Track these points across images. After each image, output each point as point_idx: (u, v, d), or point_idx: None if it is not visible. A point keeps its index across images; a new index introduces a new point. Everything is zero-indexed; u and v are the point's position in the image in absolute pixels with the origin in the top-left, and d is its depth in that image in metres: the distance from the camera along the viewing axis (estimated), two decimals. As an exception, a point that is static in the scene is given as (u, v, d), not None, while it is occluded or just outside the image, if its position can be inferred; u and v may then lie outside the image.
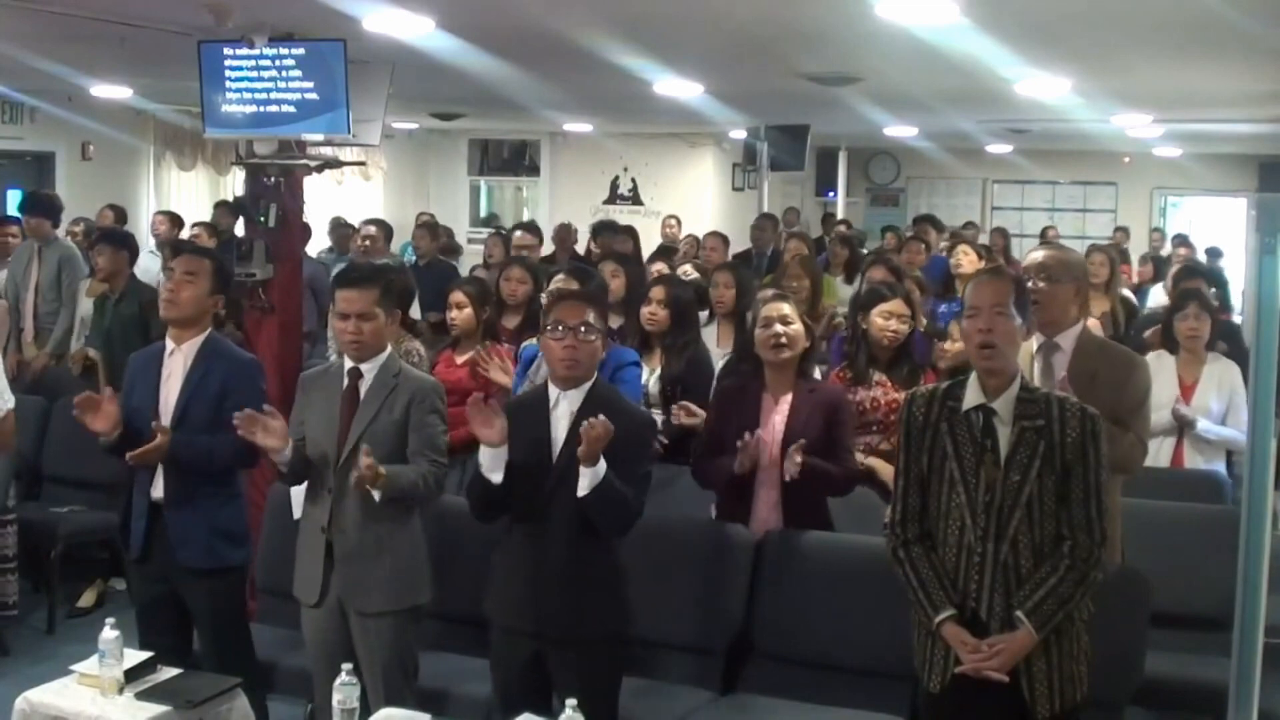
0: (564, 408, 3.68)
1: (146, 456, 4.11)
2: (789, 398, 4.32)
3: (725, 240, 9.96)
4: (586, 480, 3.52)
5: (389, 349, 4.04)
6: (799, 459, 4.11)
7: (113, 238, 7.04)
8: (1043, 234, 14.21)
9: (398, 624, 3.94)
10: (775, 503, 4.29)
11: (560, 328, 3.68)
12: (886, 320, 4.89)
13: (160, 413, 4.20)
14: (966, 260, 7.86)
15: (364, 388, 3.96)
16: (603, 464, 3.52)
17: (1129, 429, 3.85)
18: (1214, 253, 13.60)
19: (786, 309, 4.36)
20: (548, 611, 3.64)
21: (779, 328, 4.31)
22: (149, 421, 4.16)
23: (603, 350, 3.81)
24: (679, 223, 12.52)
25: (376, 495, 3.79)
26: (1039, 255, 4.09)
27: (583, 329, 3.67)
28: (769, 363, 4.36)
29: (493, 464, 3.60)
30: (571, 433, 3.60)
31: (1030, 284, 3.94)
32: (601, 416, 3.50)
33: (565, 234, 11.01)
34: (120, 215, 10.05)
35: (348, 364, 4.00)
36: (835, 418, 4.31)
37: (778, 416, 4.31)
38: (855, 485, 4.44)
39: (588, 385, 3.72)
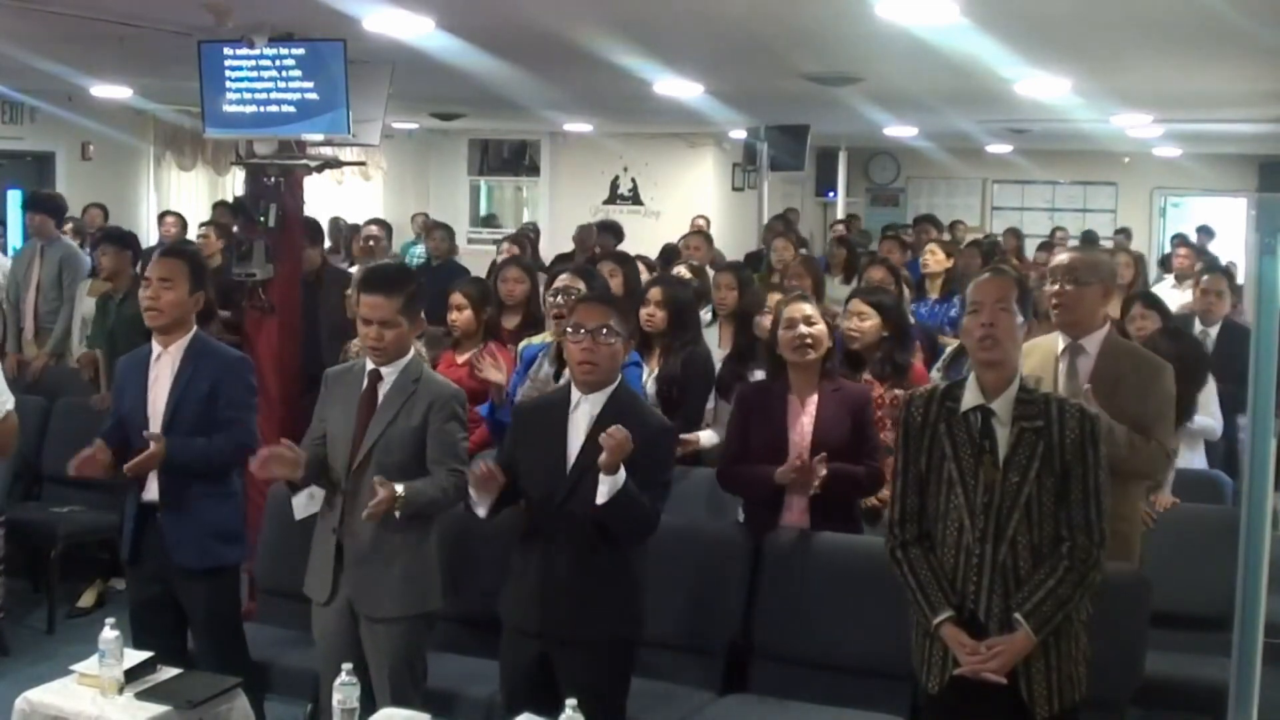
0: (584, 410, 3.66)
1: (142, 466, 4.11)
2: (815, 399, 4.28)
3: (709, 239, 9.96)
4: (605, 488, 3.48)
5: (411, 353, 4.01)
6: (823, 471, 4.08)
7: (115, 237, 7.04)
8: (1051, 235, 14.20)
9: (408, 630, 3.91)
10: (805, 507, 4.25)
11: (580, 330, 3.65)
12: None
13: (149, 417, 4.20)
14: (934, 260, 7.87)
15: (383, 391, 3.92)
16: (622, 473, 3.48)
17: (1152, 435, 3.83)
18: (1205, 230, 13.52)
19: (809, 309, 4.31)
20: (554, 613, 3.62)
21: (803, 328, 4.26)
22: (139, 428, 4.16)
23: (625, 354, 3.78)
24: (708, 222, 12.41)
25: (397, 514, 3.75)
26: (1065, 257, 4.07)
27: (603, 332, 3.63)
28: (793, 364, 4.30)
29: (481, 501, 3.62)
30: (589, 437, 3.58)
31: (1058, 286, 3.94)
32: (620, 427, 3.46)
33: (585, 235, 10.98)
34: (106, 213, 10.06)
35: (369, 365, 3.97)
36: (861, 416, 4.27)
37: (805, 418, 4.27)
38: (882, 484, 4.35)
39: (610, 389, 3.68)
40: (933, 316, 7.38)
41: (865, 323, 4.92)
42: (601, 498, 3.49)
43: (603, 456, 3.45)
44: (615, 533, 3.57)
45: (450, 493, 3.85)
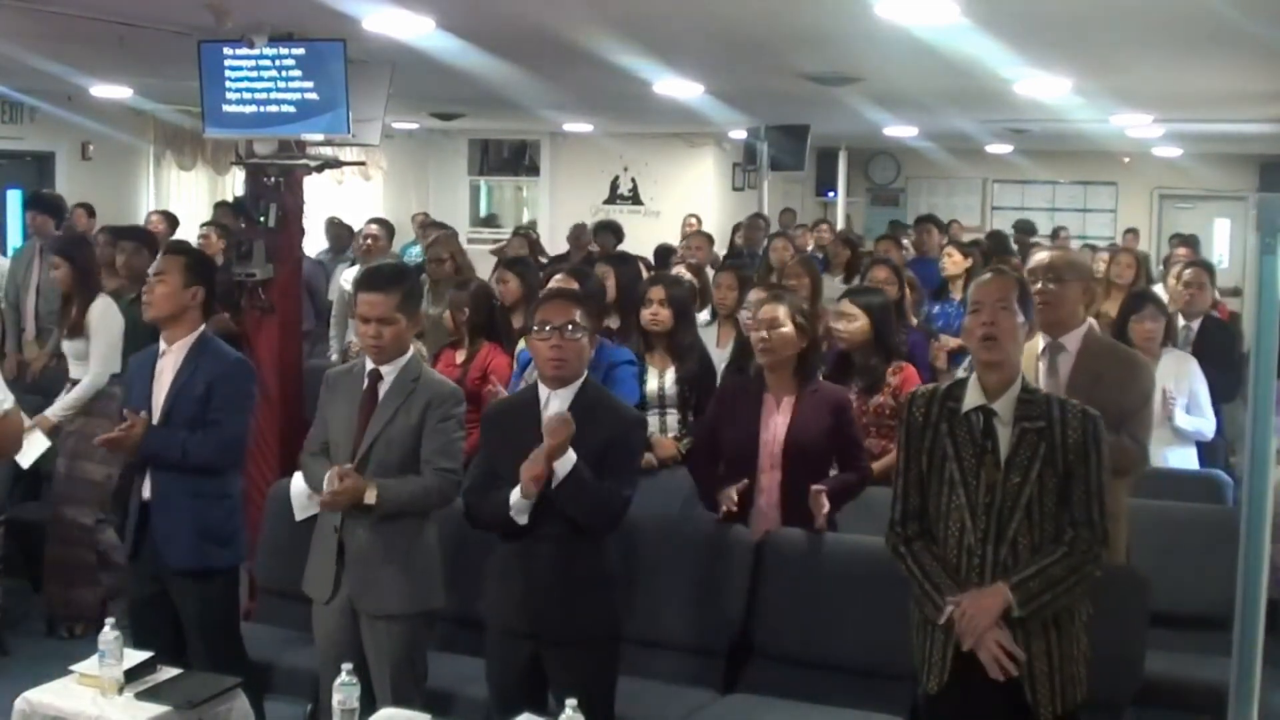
0: (554, 407, 3.68)
1: (117, 441, 4.14)
2: (790, 399, 4.31)
3: (710, 240, 9.95)
4: (557, 472, 3.54)
5: (411, 351, 4.04)
6: (825, 506, 4.10)
7: (134, 235, 7.03)
8: (1054, 235, 14.17)
9: (409, 628, 3.93)
10: (775, 504, 4.28)
11: (546, 327, 3.68)
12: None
13: (153, 412, 4.22)
14: (951, 262, 7.90)
15: (383, 390, 3.95)
16: (571, 455, 3.53)
17: (1127, 431, 3.85)
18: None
19: (776, 311, 4.34)
20: (543, 612, 3.64)
21: (764, 331, 4.31)
22: (150, 418, 4.19)
23: (591, 349, 3.81)
24: (700, 221, 12.42)
25: (370, 498, 3.79)
26: (1046, 256, 4.10)
27: (569, 328, 3.67)
28: (765, 365, 4.35)
29: (524, 510, 3.60)
30: None
31: (1040, 285, 3.95)
32: (564, 412, 3.55)
33: (580, 234, 10.97)
34: (90, 212, 10.04)
35: (369, 365, 4.00)
36: (843, 418, 4.29)
37: (779, 418, 4.30)
38: (869, 483, 4.39)
39: (578, 385, 3.72)
40: (959, 316, 7.38)
41: (853, 324, 4.93)
42: (554, 482, 3.53)
43: (545, 443, 3.50)
44: (576, 518, 3.59)
45: (434, 493, 3.88)
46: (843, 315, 4.95)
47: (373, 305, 3.91)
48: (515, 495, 3.58)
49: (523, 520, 3.60)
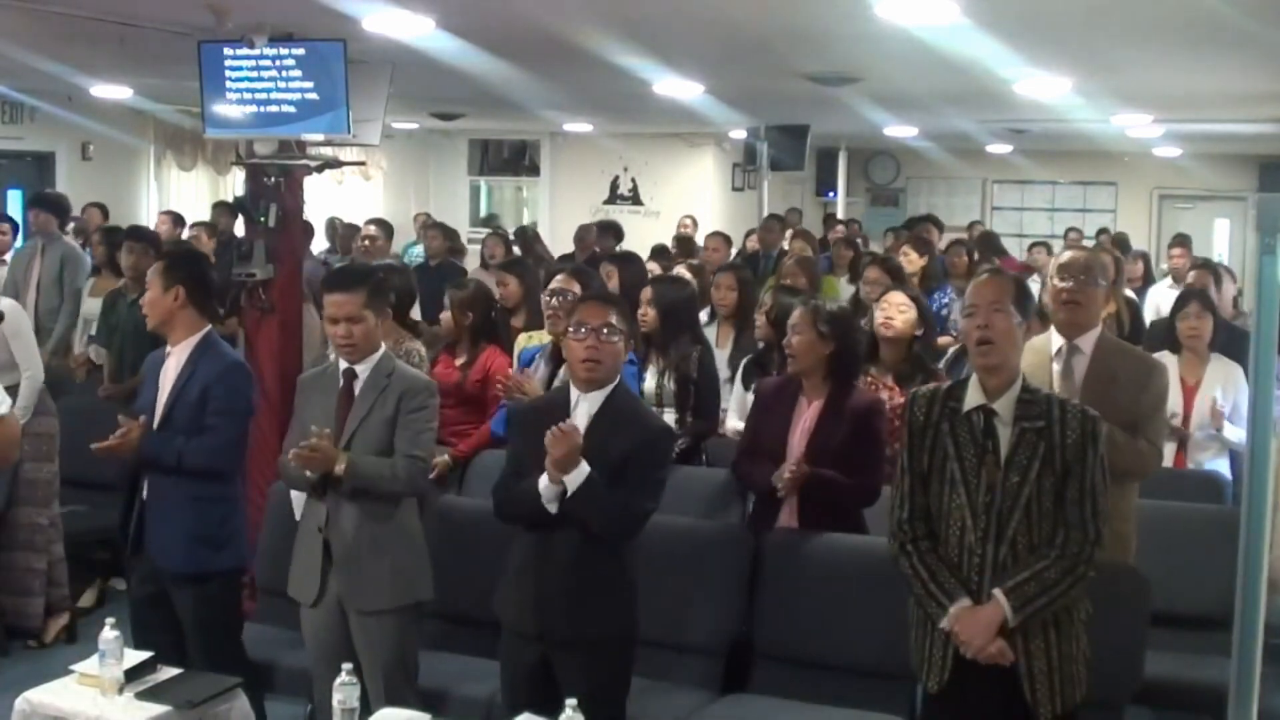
0: (583, 409, 3.66)
1: (112, 450, 4.13)
2: (819, 404, 4.29)
3: (728, 240, 9.94)
4: (570, 484, 3.51)
5: (383, 348, 4.06)
6: (788, 473, 4.12)
7: (144, 237, 7.03)
8: (1065, 235, 14.15)
9: (398, 622, 3.94)
10: (795, 509, 4.27)
11: (583, 328, 3.65)
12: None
13: (156, 414, 4.23)
14: (907, 261, 7.94)
15: (358, 387, 3.98)
16: (584, 467, 3.50)
17: (1144, 434, 3.83)
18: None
19: (795, 317, 4.35)
20: (552, 614, 3.62)
21: (790, 337, 4.33)
22: (150, 423, 4.20)
23: (625, 353, 3.79)
24: (694, 223, 12.45)
25: (340, 468, 3.82)
26: (1082, 256, 4.04)
27: (605, 330, 3.64)
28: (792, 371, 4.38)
29: (554, 497, 3.56)
30: (588, 437, 3.57)
31: (1071, 284, 3.92)
32: (569, 422, 3.52)
33: (585, 235, 11.00)
34: (105, 212, 10.06)
35: (343, 365, 4.02)
36: (863, 427, 4.23)
37: (806, 422, 4.29)
38: (874, 497, 4.29)
39: (609, 389, 3.68)
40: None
41: (903, 315, 4.97)
42: (569, 488, 3.51)
43: (550, 456, 3.48)
44: (590, 527, 3.55)
45: (400, 476, 3.89)
46: (893, 305, 5.01)
47: (340, 305, 3.93)
48: (544, 482, 3.54)
49: (554, 509, 3.56)
